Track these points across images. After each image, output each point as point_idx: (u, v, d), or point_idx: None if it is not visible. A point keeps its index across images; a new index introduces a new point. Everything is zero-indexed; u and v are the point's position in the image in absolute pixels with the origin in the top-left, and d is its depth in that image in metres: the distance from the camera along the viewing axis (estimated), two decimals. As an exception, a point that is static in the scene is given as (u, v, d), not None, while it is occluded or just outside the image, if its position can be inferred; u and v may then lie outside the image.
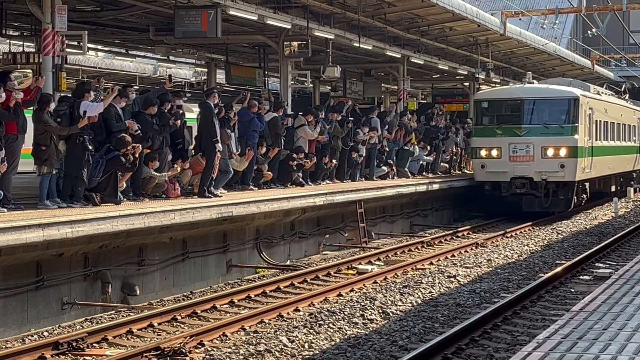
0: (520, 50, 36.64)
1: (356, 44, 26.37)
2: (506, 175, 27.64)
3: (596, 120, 30.27)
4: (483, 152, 28.19)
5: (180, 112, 18.47)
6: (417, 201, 26.32)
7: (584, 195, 29.66)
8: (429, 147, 29.61)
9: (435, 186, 26.72)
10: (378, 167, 26.53)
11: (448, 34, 31.07)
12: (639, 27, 57.86)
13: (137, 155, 15.59)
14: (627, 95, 40.95)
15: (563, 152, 27.36)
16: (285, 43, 24.14)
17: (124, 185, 15.83)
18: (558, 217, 28.24)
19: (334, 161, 23.75)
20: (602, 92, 34.37)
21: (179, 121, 17.88)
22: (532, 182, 27.49)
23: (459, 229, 25.19)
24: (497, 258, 19.69)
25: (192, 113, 25.94)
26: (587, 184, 29.73)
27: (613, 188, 34.97)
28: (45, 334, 12.57)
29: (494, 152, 27.91)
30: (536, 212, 27.62)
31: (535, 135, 27.49)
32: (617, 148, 34.18)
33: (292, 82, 26.45)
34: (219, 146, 17.55)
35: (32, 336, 12.40)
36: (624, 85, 43.77)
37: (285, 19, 22.63)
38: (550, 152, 27.36)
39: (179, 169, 17.70)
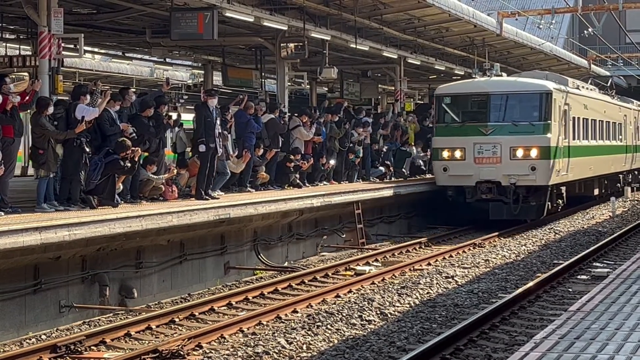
0: (516, 51, 36.67)
1: (353, 45, 26.39)
2: (471, 179, 24.70)
3: (574, 117, 27.41)
4: (445, 154, 25.20)
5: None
6: (414, 202, 26.29)
7: (560, 201, 26.81)
8: (423, 147, 29.58)
9: (434, 187, 26.67)
10: (375, 167, 26.51)
11: (444, 35, 31.08)
12: (636, 26, 57.98)
13: (136, 159, 15.59)
14: (614, 91, 38.78)
15: (534, 152, 24.40)
16: (281, 44, 24.13)
17: (121, 187, 15.83)
18: (556, 217, 27.58)
19: (331, 162, 23.76)
20: (583, 87, 31.31)
21: (172, 120, 17.87)
22: (499, 187, 24.53)
23: (459, 230, 25.19)
24: (494, 258, 19.69)
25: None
26: (563, 188, 26.77)
27: (596, 191, 31.97)
28: (43, 337, 12.57)
29: (457, 154, 24.92)
30: (505, 220, 24.77)
31: (503, 134, 24.47)
32: (600, 148, 31.16)
33: (289, 84, 26.47)
34: (201, 147, 17.27)
35: (30, 339, 12.39)
36: (610, 80, 41.93)
37: (281, 21, 22.63)
38: (519, 152, 24.41)
39: (175, 171, 17.69)
